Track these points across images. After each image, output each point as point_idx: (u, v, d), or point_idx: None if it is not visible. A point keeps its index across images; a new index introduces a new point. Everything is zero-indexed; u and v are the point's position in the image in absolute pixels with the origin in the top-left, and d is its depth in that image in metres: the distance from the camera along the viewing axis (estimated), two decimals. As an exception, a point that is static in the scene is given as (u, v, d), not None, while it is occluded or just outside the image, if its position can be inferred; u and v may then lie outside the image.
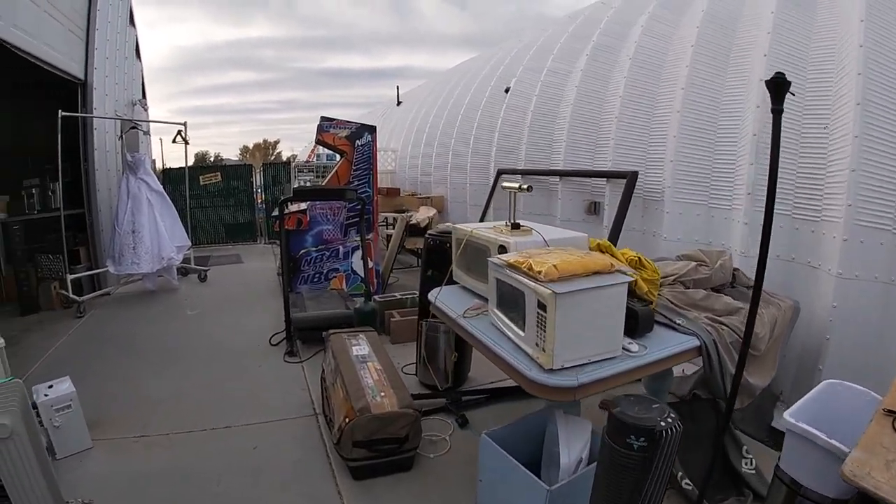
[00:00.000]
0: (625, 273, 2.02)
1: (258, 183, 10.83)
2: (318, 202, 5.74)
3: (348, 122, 5.85)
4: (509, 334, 2.22)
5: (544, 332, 1.88)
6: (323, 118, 5.71)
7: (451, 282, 3.07)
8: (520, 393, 3.33)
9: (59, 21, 5.50)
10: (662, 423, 1.50)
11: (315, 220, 5.78)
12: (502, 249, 2.64)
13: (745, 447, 2.64)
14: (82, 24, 6.14)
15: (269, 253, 9.43)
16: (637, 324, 2.12)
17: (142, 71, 8.73)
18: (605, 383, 1.88)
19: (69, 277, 5.71)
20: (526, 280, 1.99)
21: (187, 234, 6.86)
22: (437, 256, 3.61)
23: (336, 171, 5.84)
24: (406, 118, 10.82)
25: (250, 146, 51.05)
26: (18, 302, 5.77)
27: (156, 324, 5.29)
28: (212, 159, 42.55)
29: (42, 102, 5.61)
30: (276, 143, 52.45)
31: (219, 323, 5.29)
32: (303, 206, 5.73)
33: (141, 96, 8.37)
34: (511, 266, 2.15)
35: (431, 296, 3.00)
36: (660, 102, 4.44)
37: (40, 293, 5.91)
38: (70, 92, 6.12)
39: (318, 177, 9.78)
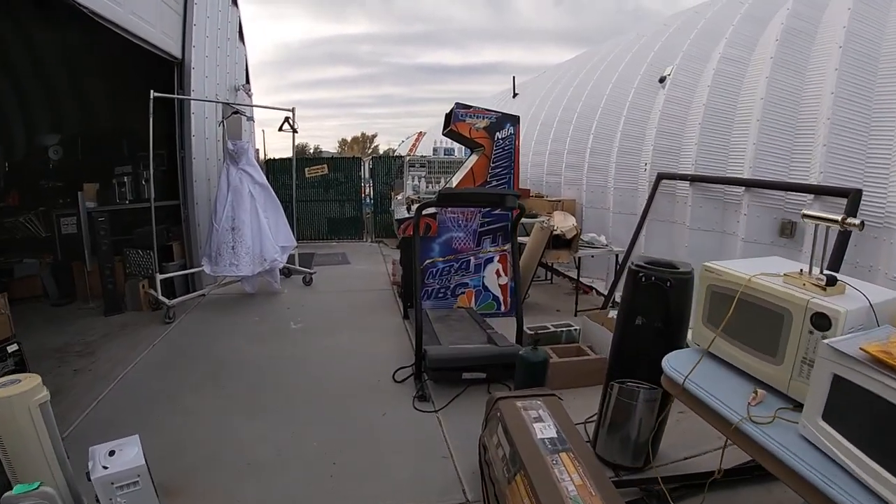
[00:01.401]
0: None
1: (366, 176, 10.22)
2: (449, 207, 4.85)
3: (487, 110, 4.91)
4: (871, 482, 1.17)
5: None
6: (458, 104, 4.81)
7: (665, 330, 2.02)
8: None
9: (151, -10, 5.00)
10: None
11: (444, 226, 4.91)
12: (821, 320, 1.55)
13: None
14: (179, -1, 5.64)
15: (376, 253, 8.77)
16: None
17: (245, 55, 8.31)
18: None
19: (159, 277, 5.24)
20: None
21: (292, 231, 6.27)
22: (655, 301, 2.56)
23: (471, 168, 4.92)
24: (527, 112, 9.74)
25: (348, 139, 52.59)
26: (103, 300, 5.40)
27: (253, 340, 4.67)
28: (311, 151, 44.13)
29: (140, 83, 5.14)
30: (374, 136, 53.76)
31: (327, 343, 4.58)
32: (431, 209, 4.86)
33: (245, 81, 7.93)
34: (882, 364, 1.10)
35: (672, 368, 2.00)
36: (877, 104, 3.77)
37: (127, 292, 5.54)
38: (169, 73, 5.64)
39: (430, 172, 8.96)
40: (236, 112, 6.00)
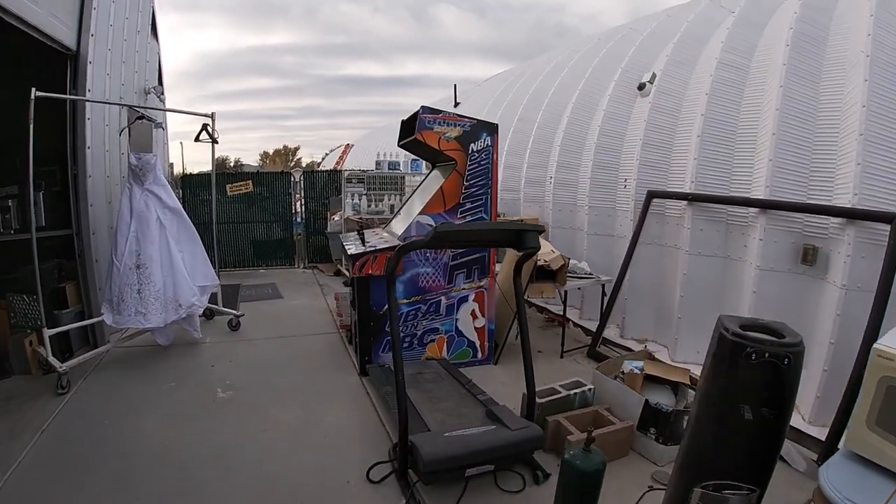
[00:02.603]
0: None
1: (297, 193, 8.96)
2: (414, 236, 3.84)
3: (460, 116, 3.97)
4: None
5: None
6: (425, 109, 3.86)
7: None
8: None
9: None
10: None
11: (408, 261, 3.89)
12: None
13: None
14: (73, -26, 4.34)
15: (312, 283, 7.55)
16: None
17: (159, 53, 6.93)
18: None
19: (47, 333, 3.87)
20: None
21: (213, 260, 5.01)
22: (763, 384, 1.74)
23: (441, 188, 3.93)
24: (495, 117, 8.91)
25: (270, 152, 51.48)
26: (-22, 362, 3.99)
27: (170, 418, 3.46)
28: (232, 165, 42.50)
29: (30, 83, 3.80)
30: (297, 149, 53.04)
31: (268, 420, 3.44)
32: (384, 236, 3.84)
33: (157, 83, 6.55)
34: None
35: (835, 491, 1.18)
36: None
37: (11, 350, 4.14)
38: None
39: (371, 189, 7.90)
40: (142, 117, 4.68)
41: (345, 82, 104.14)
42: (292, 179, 8.60)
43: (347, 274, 7.34)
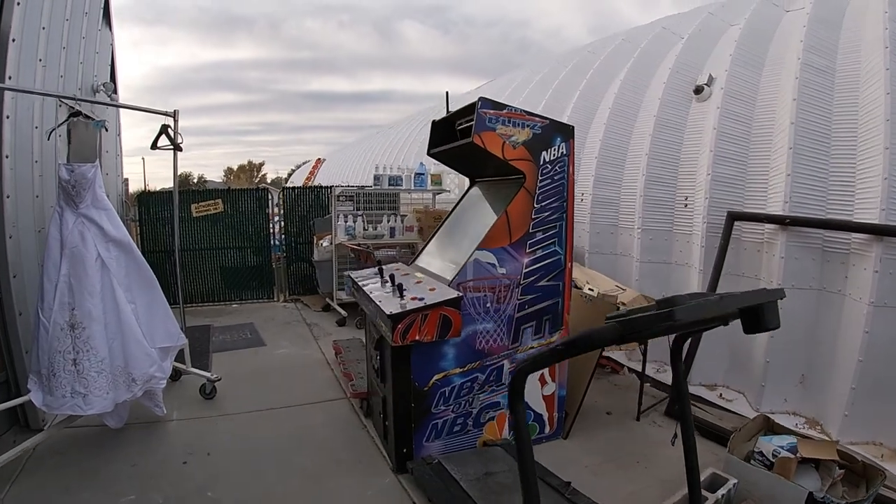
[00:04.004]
0: None
1: (275, 213, 7.59)
2: (472, 279, 2.65)
3: (529, 114, 2.81)
4: None
5: None
6: (484, 101, 2.67)
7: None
8: None
9: None
10: None
11: (464, 314, 2.67)
12: None
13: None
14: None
15: (298, 322, 6.15)
16: None
17: (112, 44, 5.52)
18: None
19: None
20: None
21: (176, 297, 3.68)
22: None
23: (507, 213, 2.75)
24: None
25: (234, 168, 50.39)
26: None
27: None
28: (196, 181, 40.59)
29: None
30: (262, 164, 52.03)
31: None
32: (430, 285, 2.63)
33: (109, 79, 5.15)
34: None
35: None
36: None
37: None
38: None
39: (360, 207, 6.64)
40: (77, 114, 3.32)
41: (309, 98, 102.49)
42: (269, 197, 7.21)
43: (341, 312, 6.03)
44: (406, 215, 6.46)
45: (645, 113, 4.96)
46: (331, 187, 6.91)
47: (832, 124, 3.73)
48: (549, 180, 2.89)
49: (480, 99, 2.66)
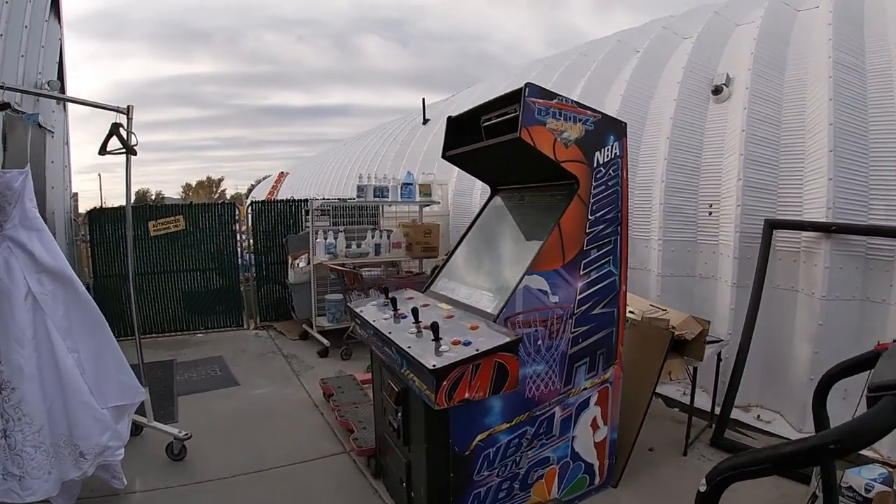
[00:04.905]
0: None
1: (242, 230, 6.80)
2: (522, 311, 2.07)
3: (580, 106, 2.26)
4: None
5: None
6: (531, 87, 2.10)
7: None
8: None
9: None
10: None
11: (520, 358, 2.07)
12: None
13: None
14: None
15: (273, 353, 5.37)
16: None
17: (61, 39, 4.73)
18: None
19: None
20: None
21: (132, 327, 2.93)
22: None
23: (559, 227, 2.19)
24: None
25: (193, 184, 48.80)
26: None
27: None
28: (153, 198, 38.83)
29: None
30: (221, 180, 50.32)
31: None
32: (474, 326, 2.03)
33: (56, 77, 4.36)
34: None
35: None
36: None
37: None
38: None
39: (337, 222, 5.97)
40: (5, 106, 2.56)
41: (268, 112, 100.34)
42: (236, 212, 6.41)
43: (323, 342, 5.21)
44: (391, 230, 5.82)
45: (653, 117, 4.55)
46: (307, 200, 6.20)
47: (868, 125, 3.42)
48: (603, 186, 2.35)
49: (527, 85, 2.09)
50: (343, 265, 5.25)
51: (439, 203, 6.29)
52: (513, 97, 2.24)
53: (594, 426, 2.53)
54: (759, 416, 3.62)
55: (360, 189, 5.43)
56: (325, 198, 6.69)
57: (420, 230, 5.80)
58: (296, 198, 6.99)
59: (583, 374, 2.40)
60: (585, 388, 2.43)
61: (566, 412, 2.38)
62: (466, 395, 1.82)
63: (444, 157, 2.79)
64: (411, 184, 5.70)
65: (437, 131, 8.58)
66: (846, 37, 3.68)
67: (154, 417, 3.14)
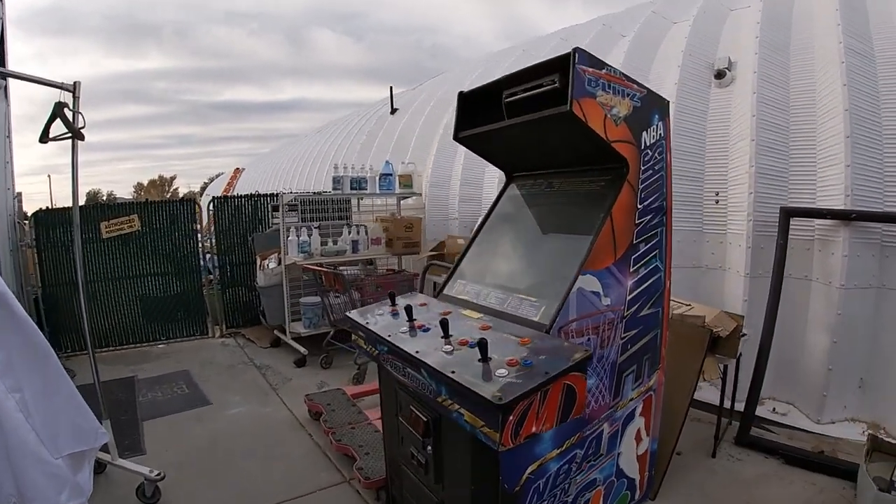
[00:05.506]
0: None
1: (204, 228, 6.19)
2: (575, 319, 1.74)
3: (627, 79, 1.94)
4: None
5: None
6: (581, 53, 1.76)
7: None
8: None
9: None
10: None
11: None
12: None
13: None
14: None
15: (244, 364, 4.84)
16: None
17: (2, 18, 4.06)
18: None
19: None
20: None
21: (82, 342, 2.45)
22: None
23: (611, 219, 1.87)
24: (433, 130, 6.85)
25: (145, 183, 47.95)
26: None
27: None
28: (105, 198, 37.23)
29: None
30: (173, 178, 49.19)
31: None
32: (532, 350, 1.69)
33: None
34: None
35: None
36: None
37: None
38: None
39: (306, 218, 5.49)
40: None
41: (220, 108, 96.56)
42: (197, 209, 5.79)
43: (300, 350, 4.70)
44: (369, 225, 5.38)
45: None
46: (274, 195, 5.68)
47: (881, 111, 3.31)
48: (650, 171, 2.05)
49: (577, 50, 1.75)
50: (320, 265, 4.79)
51: (420, 195, 5.91)
52: (549, 67, 1.89)
53: (637, 438, 2.24)
54: (774, 409, 3.48)
55: (336, 180, 4.97)
56: (296, 192, 6.16)
57: (401, 224, 5.41)
58: (260, 192, 6.43)
59: (630, 384, 2.11)
60: (632, 399, 2.14)
61: (613, 427, 2.08)
62: (534, 430, 1.48)
63: (455, 138, 2.41)
64: (391, 174, 5.29)
65: (407, 120, 8.19)
66: (853, 22, 3.58)
67: (119, 451, 2.65)
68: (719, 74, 3.94)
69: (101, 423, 2.26)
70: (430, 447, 1.87)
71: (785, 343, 3.46)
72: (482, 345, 1.59)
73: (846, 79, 3.30)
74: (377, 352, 2.13)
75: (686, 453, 2.95)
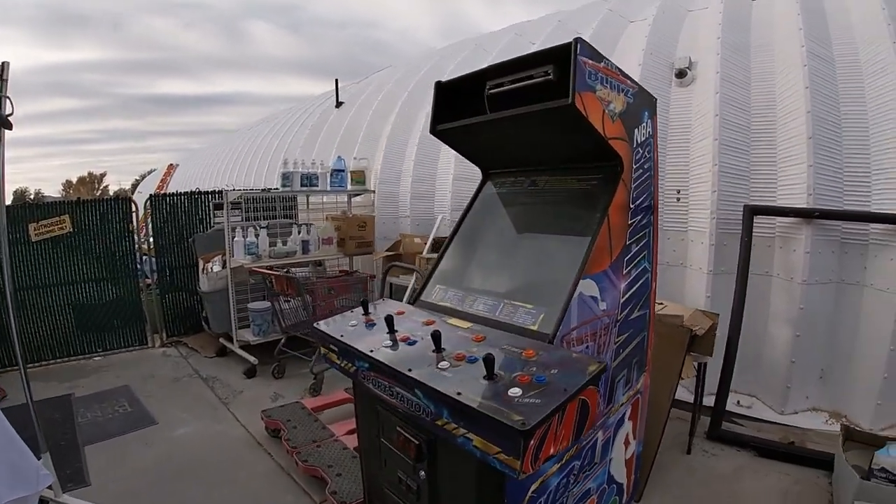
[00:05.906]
0: None
1: (140, 228, 5.67)
2: (576, 326, 1.64)
3: (622, 73, 1.86)
4: None
5: None
6: (582, 44, 1.64)
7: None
8: None
9: None
10: None
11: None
12: None
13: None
14: None
15: (190, 377, 4.45)
16: None
17: None
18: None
19: None
20: None
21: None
22: None
23: (608, 220, 1.77)
24: (381, 125, 6.61)
25: (74, 180, 45.27)
26: None
27: None
28: (31, 197, 36.15)
29: None
30: (103, 175, 46.11)
31: None
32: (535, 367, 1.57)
33: None
34: None
35: None
36: None
37: None
38: None
39: (249, 217, 5.17)
40: None
41: (154, 101, 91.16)
42: (133, 208, 5.29)
43: (249, 359, 4.38)
44: (314, 224, 5.10)
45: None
46: (217, 192, 5.29)
47: (840, 114, 3.44)
48: (640, 170, 1.98)
49: (578, 40, 1.63)
50: (271, 267, 4.49)
51: (374, 192, 5.69)
52: (542, 57, 1.78)
53: (626, 443, 2.19)
54: (738, 402, 3.57)
55: (286, 177, 4.68)
56: (242, 188, 5.78)
57: (353, 223, 5.18)
58: (200, 190, 5.99)
59: (622, 389, 2.03)
60: (622, 404, 2.07)
61: (606, 434, 2.00)
62: (552, 451, 1.35)
63: (433, 132, 2.24)
64: (343, 170, 5.04)
65: (354, 114, 7.90)
66: (815, 27, 3.70)
67: (61, 483, 2.31)
68: (680, 74, 3.99)
69: (39, 457, 1.94)
70: (423, 472, 1.71)
71: (747, 338, 3.54)
72: (489, 361, 1.44)
73: (808, 81, 3.41)
74: (354, 368, 1.94)
75: (661, 451, 2.95)
